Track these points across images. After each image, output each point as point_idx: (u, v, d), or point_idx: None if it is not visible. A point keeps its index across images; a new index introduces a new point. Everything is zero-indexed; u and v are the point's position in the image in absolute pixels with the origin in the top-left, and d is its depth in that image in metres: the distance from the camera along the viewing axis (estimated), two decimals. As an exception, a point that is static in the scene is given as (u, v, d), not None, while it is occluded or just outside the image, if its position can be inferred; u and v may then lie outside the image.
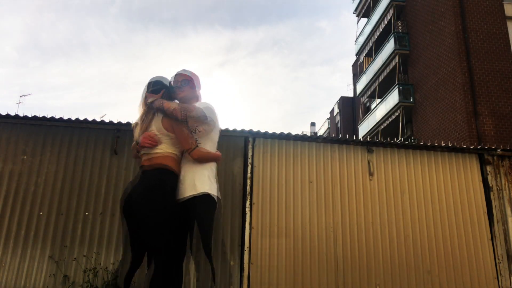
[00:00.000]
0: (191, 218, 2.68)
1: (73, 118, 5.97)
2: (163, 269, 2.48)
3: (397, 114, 18.29)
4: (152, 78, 2.85)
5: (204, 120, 2.72)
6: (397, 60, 18.77)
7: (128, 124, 6.00)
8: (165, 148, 2.66)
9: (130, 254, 2.67)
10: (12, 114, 5.93)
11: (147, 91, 2.78)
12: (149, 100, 2.71)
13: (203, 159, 2.71)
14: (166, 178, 2.61)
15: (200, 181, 2.66)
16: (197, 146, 2.69)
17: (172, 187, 2.63)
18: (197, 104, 2.80)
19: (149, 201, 2.50)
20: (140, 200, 2.50)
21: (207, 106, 2.78)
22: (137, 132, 2.75)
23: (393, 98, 18.45)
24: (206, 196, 2.64)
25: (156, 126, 2.69)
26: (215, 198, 2.68)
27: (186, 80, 2.89)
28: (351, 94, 30.65)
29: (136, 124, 2.80)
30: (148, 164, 2.64)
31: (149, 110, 2.73)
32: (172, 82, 2.91)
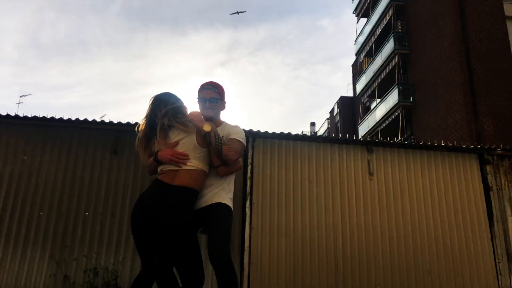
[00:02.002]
0: (200, 224, 2.72)
1: (73, 118, 5.97)
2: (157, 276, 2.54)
3: (396, 114, 18.30)
4: (170, 98, 2.72)
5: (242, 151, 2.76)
6: (396, 60, 18.78)
7: (128, 124, 6.00)
8: (196, 164, 2.58)
9: (146, 261, 2.60)
10: (12, 114, 5.93)
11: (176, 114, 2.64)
12: (206, 129, 2.55)
13: (229, 173, 2.71)
14: (191, 199, 2.57)
15: (219, 194, 2.68)
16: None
17: (192, 206, 2.61)
18: (229, 130, 2.77)
19: (170, 223, 2.46)
20: (162, 219, 2.46)
21: (243, 135, 2.79)
22: (156, 147, 2.66)
23: (392, 98, 18.46)
24: (223, 205, 2.66)
25: (188, 142, 2.59)
26: (231, 209, 2.71)
27: (214, 99, 2.77)
28: (351, 94, 30.65)
29: (148, 137, 2.72)
30: (173, 181, 2.53)
31: (182, 130, 2.62)
32: (198, 97, 2.81)
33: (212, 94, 2.78)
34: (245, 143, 2.76)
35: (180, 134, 2.62)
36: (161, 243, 2.47)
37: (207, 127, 2.53)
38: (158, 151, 2.62)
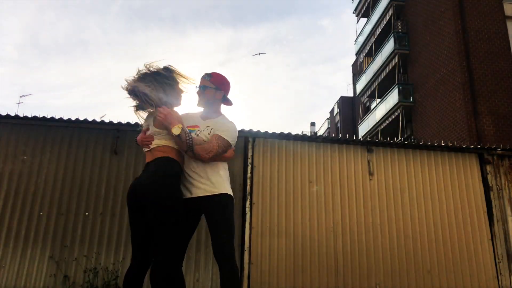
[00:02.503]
0: (198, 217, 2.67)
1: (73, 118, 5.97)
2: (165, 267, 2.35)
3: (397, 114, 18.30)
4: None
5: (228, 148, 2.72)
6: (396, 60, 18.78)
7: (128, 124, 6.00)
8: (159, 143, 2.59)
9: (137, 254, 2.52)
10: (12, 114, 5.93)
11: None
12: (174, 133, 2.49)
13: (211, 160, 2.63)
14: (170, 164, 2.52)
15: (216, 179, 2.61)
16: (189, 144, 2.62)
17: (177, 172, 2.53)
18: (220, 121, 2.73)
19: (157, 187, 2.41)
20: (146, 188, 2.43)
21: (230, 132, 2.70)
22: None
23: (392, 98, 18.45)
24: (226, 195, 2.60)
25: (150, 126, 2.67)
26: (233, 198, 2.68)
27: (203, 86, 2.77)
28: (351, 94, 30.65)
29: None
30: (150, 158, 2.61)
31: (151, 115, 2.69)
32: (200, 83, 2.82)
33: (203, 82, 2.79)
34: (232, 141, 2.70)
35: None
36: (157, 216, 2.39)
37: (175, 131, 2.47)
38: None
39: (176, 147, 2.57)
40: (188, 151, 2.52)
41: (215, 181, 2.60)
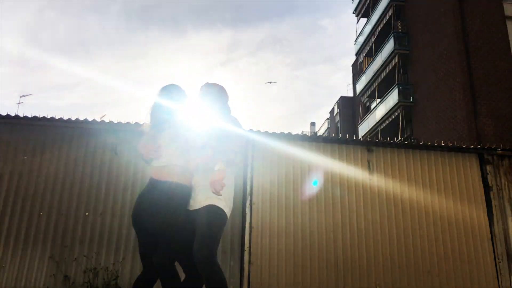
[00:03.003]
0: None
1: (73, 118, 5.97)
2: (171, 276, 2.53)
3: (396, 114, 18.30)
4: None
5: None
6: (396, 60, 18.78)
7: (128, 124, 6.00)
8: (173, 160, 2.68)
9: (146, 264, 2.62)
10: (12, 114, 5.93)
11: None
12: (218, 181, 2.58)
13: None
14: (177, 191, 2.63)
15: (211, 196, 2.65)
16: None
17: (182, 198, 2.65)
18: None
19: (164, 215, 2.55)
20: (156, 209, 2.56)
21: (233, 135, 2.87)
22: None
23: (392, 98, 18.46)
24: (214, 207, 2.63)
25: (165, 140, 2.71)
26: (224, 211, 2.66)
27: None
28: (351, 94, 30.65)
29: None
30: (157, 177, 2.65)
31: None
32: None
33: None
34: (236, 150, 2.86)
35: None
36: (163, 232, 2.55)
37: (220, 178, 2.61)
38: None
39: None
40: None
41: (210, 196, 2.66)
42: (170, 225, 2.52)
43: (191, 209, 2.67)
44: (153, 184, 2.63)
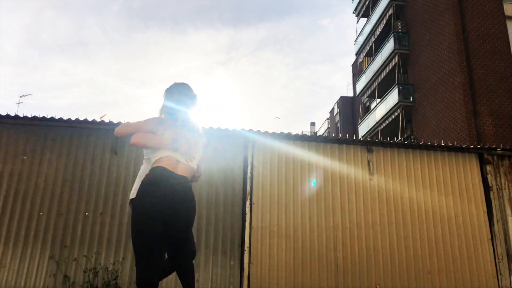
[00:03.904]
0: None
1: (73, 118, 5.97)
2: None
3: (396, 114, 18.30)
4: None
5: None
6: (396, 60, 18.78)
7: (128, 124, 6.00)
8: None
9: (160, 261, 2.50)
10: (12, 114, 5.93)
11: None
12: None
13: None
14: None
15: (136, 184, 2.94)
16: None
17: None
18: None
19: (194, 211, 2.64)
20: (192, 209, 2.61)
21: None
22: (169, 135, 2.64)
23: (392, 97, 18.45)
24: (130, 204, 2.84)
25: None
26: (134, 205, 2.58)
27: None
28: (351, 94, 30.65)
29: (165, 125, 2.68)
30: (186, 174, 2.63)
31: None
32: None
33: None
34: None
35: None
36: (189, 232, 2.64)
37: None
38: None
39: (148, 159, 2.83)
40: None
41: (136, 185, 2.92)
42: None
43: None
44: (173, 176, 2.50)
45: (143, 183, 2.51)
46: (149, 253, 2.41)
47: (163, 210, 2.41)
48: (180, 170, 2.55)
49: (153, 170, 2.53)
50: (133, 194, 2.67)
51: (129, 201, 2.68)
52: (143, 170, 2.74)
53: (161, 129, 2.60)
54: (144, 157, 2.77)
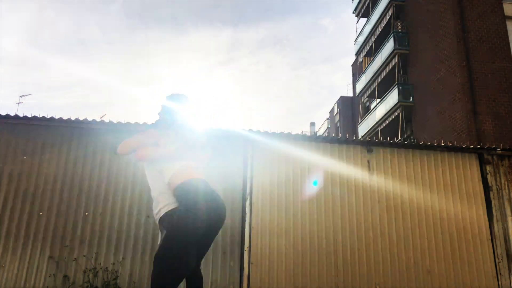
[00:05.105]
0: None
1: (73, 118, 5.97)
2: None
3: (396, 113, 18.30)
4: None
5: None
6: (396, 60, 18.78)
7: (128, 124, 6.00)
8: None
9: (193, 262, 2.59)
10: (12, 114, 5.93)
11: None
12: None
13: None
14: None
15: (164, 200, 2.84)
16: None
17: None
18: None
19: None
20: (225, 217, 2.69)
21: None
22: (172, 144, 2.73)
23: (392, 98, 18.45)
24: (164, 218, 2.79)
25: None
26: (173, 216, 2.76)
27: None
28: (350, 94, 30.65)
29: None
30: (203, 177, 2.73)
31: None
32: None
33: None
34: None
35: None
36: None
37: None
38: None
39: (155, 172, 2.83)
40: None
41: (162, 202, 2.78)
42: None
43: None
44: (208, 186, 2.68)
45: (190, 193, 2.53)
46: (186, 260, 2.47)
47: (209, 220, 2.54)
48: (202, 176, 2.70)
49: (190, 182, 2.59)
50: (166, 208, 2.61)
51: (161, 216, 2.59)
52: (165, 183, 2.66)
53: (163, 140, 2.65)
54: (156, 168, 2.71)
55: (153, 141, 2.66)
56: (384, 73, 20.19)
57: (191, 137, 2.72)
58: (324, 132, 35.84)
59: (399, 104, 17.92)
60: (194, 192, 2.54)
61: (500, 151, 6.85)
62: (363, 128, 21.95)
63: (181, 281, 2.46)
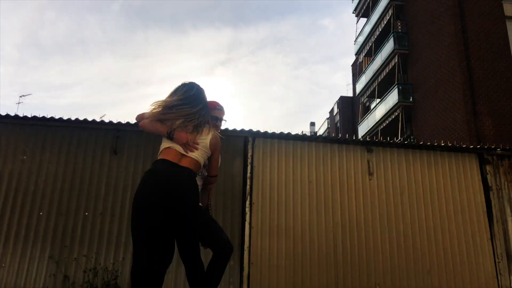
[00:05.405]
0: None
1: (73, 118, 5.97)
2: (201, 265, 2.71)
3: (396, 113, 18.30)
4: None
5: None
6: (396, 60, 18.78)
7: (128, 124, 6.00)
8: (199, 157, 2.72)
9: (152, 253, 2.50)
10: (12, 114, 5.93)
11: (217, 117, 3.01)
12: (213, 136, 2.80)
13: (212, 183, 3.06)
14: (196, 182, 2.72)
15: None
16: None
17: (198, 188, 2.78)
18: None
19: (195, 199, 2.63)
20: (187, 197, 2.56)
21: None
22: (175, 125, 2.69)
23: (392, 97, 18.46)
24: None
25: (202, 140, 2.73)
26: None
27: (223, 120, 3.12)
28: (350, 94, 30.65)
29: (177, 115, 2.69)
30: (180, 162, 2.63)
31: (207, 126, 2.77)
32: (215, 113, 3.02)
33: (223, 115, 3.11)
34: None
35: (204, 132, 2.76)
36: (189, 224, 2.59)
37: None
38: (174, 129, 2.67)
39: (201, 165, 2.82)
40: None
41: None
42: (199, 210, 2.68)
43: None
44: (175, 167, 2.59)
45: (142, 178, 2.64)
46: (138, 245, 2.49)
47: (157, 201, 2.48)
48: (183, 162, 2.63)
49: (154, 163, 2.67)
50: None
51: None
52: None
53: (170, 116, 2.68)
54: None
55: (160, 116, 2.69)
56: (384, 73, 20.19)
57: (195, 131, 2.70)
58: (324, 132, 35.83)
59: (399, 104, 17.92)
60: (146, 173, 2.62)
61: (500, 151, 6.85)
62: (363, 128, 21.96)
63: (142, 263, 2.45)
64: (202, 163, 2.77)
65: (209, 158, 2.85)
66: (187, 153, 2.64)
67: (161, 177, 2.53)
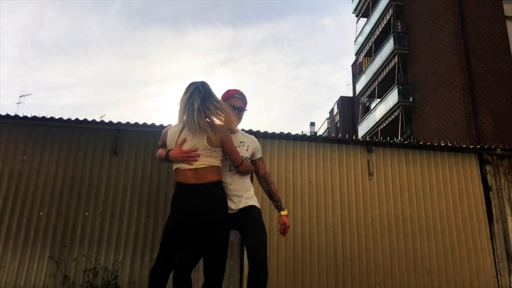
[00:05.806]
0: (238, 227, 2.73)
1: (73, 118, 5.98)
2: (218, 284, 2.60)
3: (396, 114, 18.30)
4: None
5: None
6: (396, 60, 18.78)
7: (128, 124, 6.00)
8: (207, 161, 2.55)
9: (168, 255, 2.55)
10: (12, 114, 5.93)
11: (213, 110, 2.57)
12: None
13: (247, 171, 2.87)
14: (222, 189, 2.61)
15: (252, 197, 2.83)
16: (243, 160, 2.76)
17: (224, 196, 2.66)
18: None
19: (221, 218, 2.54)
20: (214, 219, 2.49)
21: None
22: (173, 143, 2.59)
23: (392, 98, 18.46)
24: (258, 208, 2.80)
25: (198, 143, 2.54)
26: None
27: (242, 109, 2.89)
28: (350, 94, 30.65)
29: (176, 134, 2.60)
30: (197, 180, 2.51)
31: (199, 127, 2.52)
32: (231, 101, 2.82)
33: (241, 104, 2.87)
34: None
35: (190, 132, 2.56)
36: (220, 246, 2.58)
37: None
38: (169, 150, 2.59)
39: (219, 164, 2.64)
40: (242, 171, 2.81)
41: (250, 197, 2.81)
42: (219, 238, 2.55)
43: (230, 212, 2.68)
44: (196, 191, 2.49)
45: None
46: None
47: (186, 222, 2.50)
48: (198, 176, 2.51)
49: (175, 186, 2.63)
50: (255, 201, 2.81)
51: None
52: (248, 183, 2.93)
53: (174, 140, 2.60)
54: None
55: (164, 141, 2.68)
56: (384, 73, 20.19)
57: (195, 135, 2.56)
58: (324, 132, 35.83)
59: (399, 104, 17.92)
60: (171, 204, 2.63)
61: (500, 151, 6.86)
62: (363, 128, 21.96)
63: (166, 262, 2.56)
64: (219, 161, 2.61)
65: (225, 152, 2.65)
66: (192, 165, 2.50)
67: (183, 211, 2.50)
